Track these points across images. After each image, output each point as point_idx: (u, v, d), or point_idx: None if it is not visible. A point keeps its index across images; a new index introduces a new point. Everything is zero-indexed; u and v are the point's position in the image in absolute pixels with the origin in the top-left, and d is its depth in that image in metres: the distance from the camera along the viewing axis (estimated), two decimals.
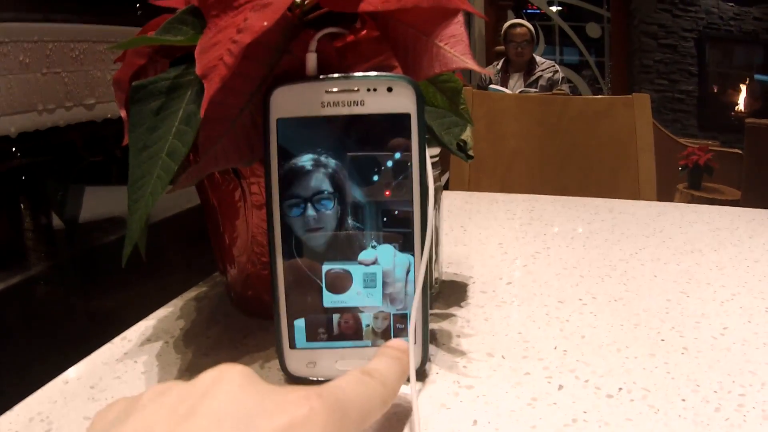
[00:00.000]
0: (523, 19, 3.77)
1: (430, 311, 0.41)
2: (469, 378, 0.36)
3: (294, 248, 0.34)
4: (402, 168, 0.34)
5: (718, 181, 3.07)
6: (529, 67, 3.37)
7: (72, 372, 0.39)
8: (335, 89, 0.33)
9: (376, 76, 0.34)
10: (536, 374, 0.37)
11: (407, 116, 0.33)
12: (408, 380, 0.31)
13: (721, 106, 4.94)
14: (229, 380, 0.24)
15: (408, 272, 0.34)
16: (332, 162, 0.34)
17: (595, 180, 1.22)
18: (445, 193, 0.76)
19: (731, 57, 4.95)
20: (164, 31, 0.36)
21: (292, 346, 0.35)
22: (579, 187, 1.23)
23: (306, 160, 0.34)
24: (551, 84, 3.30)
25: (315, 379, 0.35)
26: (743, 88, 4.92)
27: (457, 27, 0.34)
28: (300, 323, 0.35)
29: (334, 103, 0.33)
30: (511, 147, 1.28)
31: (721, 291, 0.49)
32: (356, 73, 0.34)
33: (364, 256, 0.34)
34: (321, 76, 0.34)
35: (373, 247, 0.34)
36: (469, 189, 1.25)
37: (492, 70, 3.48)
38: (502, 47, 3.54)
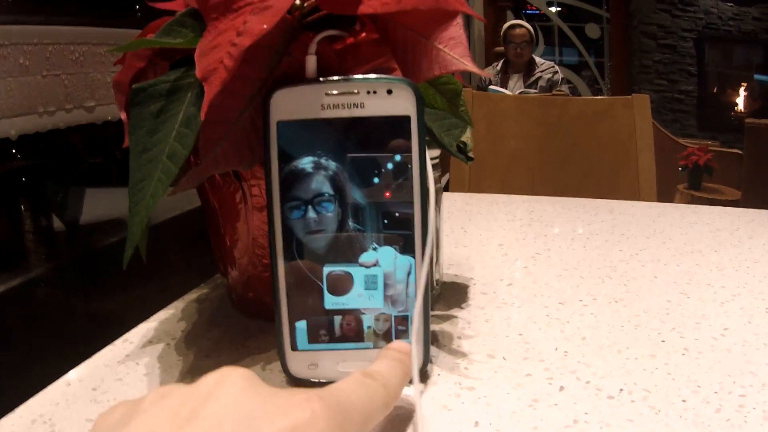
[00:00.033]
0: (522, 19, 3.78)
1: (431, 313, 0.41)
2: (471, 379, 0.37)
3: (295, 250, 0.34)
4: (402, 170, 0.34)
5: (718, 182, 3.07)
6: (529, 68, 3.38)
7: (74, 374, 0.39)
8: (335, 92, 0.34)
9: (376, 78, 0.34)
10: (537, 375, 0.37)
11: (407, 118, 0.33)
12: (410, 382, 0.31)
13: (720, 106, 4.95)
14: (230, 383, 0.24)
15: (409, 274, 0.35)
16: (332, 164, 0.34)
17: (595, 181, 1.22)
18: (446, 195, 0.76)
19: (730, 57, 4.95)
20: (164, 33, 0.36)
21: (294, 347, 0.35)
22: (579, 188, 1.23)
23: (306, 163, 0.34)
24: (551, 85, 3.30)
25: (317, 380, 0.35)
26: (743, 88, 4.92)
27: (456, 29, 0.35)
28: (301, 325, 0.35)
29: (334, 105, 0.34)
30: (510, 148, 1.28)
31: (721, 292, 0.49)
32: (356, 76, 0.34)
33: (365, 258, 0.34)
34: (321, 79, 0.34)
35: (374, 249, 0.34)
36: (469, 190, 1.25)
37: (491, 71, 3.49)
38: (502, 48, 3.54)
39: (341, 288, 0.35)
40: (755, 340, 0.41)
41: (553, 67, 3.39)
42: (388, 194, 0.34)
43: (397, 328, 0.35)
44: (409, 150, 0.34)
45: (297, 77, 0.35)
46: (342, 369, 0.35)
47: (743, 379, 0.36)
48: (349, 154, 0.34)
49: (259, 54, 0.34)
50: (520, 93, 3.19)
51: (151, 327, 0.45)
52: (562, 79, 3.41)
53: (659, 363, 0.38)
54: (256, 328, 0.44)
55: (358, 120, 0.34)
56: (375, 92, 0.33)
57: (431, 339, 0.39)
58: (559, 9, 5.30)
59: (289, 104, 0.34)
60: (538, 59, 3.45)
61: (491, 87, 3.22)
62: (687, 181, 3.11)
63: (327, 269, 0.35)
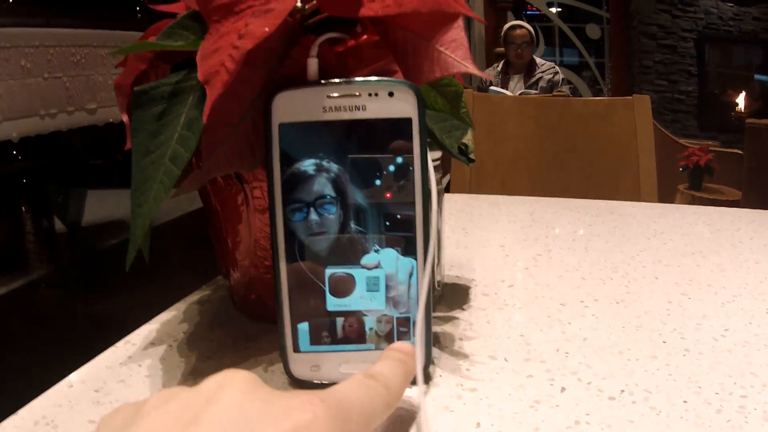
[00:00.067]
0: (522, 20, 3.78)
1: (433, 314, 0.41)
2: (472, 381, 0.37)
3: (297, 252, 0.35)
4: (404, 172, 0.34)
5: (719, 182, 3.07)
6: (529, 69, 3.38)
7: (76, 376, 0.39)
8: (336, 94, 0.34)
9: (377, 80, 0.34)
10: (539, 377, 0.37)
11: (408, 121, 0.34)
12: (412, 383, 0.31)
13: (721, 106, 4.95)
14: (232, 386, 0.24)
15: (411, 276, 0.35)
16: (334, 167, 0.34)
17: (595, 181, 1.23)
18: (447, 196, 0.76)
19: (731, 57, 4.95)
20: (165, 36, 0.36)
21: (296, 349, 0.35)
22: (580, 188, 1.23)
23: (308, 165, 0.34)
24: (551, 85, 3.31)
25: (319, 382, 0.35)
26: (743, 88, 4.92)
27: (457, 31, 0.35)
28: (304, 327, 0.35)
29: (335, 108, 0.34)
30: (511, 149, 1.28)
31: (722, 292, 0.49)
32: (357, 78, 0.34)
33: (367, 260, 0.35)
34: (322, 81, 0.34)
35: (376, 251, 0.34)
36: (469, 191, 1.26)
37: (492, 72, 3.49)
38: (502, 49, 3.54)
39: (343, 290, 0.35)
40: (756, 340, 0.41)
41: (554, 67, 3.40)
42: (389, 196, 0.34)
43: (399, 330, 0.35)
44: (410, 152, 0.34)
45: (298, 80, 0.35)
46: (344, 370, 0.35)
47: (744, 380, 0.36)
48: (350, 157, 0.34)
49: (260, 57, 0.34)
50: (520, 94, 3.19)
51: (153, 329, 0.45)
52: (563, 79, 3.41)
53: (660, 364, 0.38)
54: (258, 329, 0.44)
55: (359, 122, 0.34)
56: (376, 94, 0.33)
57: (433, 340, 0.39)
58: (559, 9, 5.30)
59: (291, 107, 0.34)
60: (538, 60, 3.45)
61: (492, 88, 3.22)
62: (688, 182, 3.11)
63: (329, 271, 0.35)
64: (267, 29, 0.32)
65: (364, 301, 0.35)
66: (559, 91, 3.14)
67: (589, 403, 0.34)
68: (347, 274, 0.35)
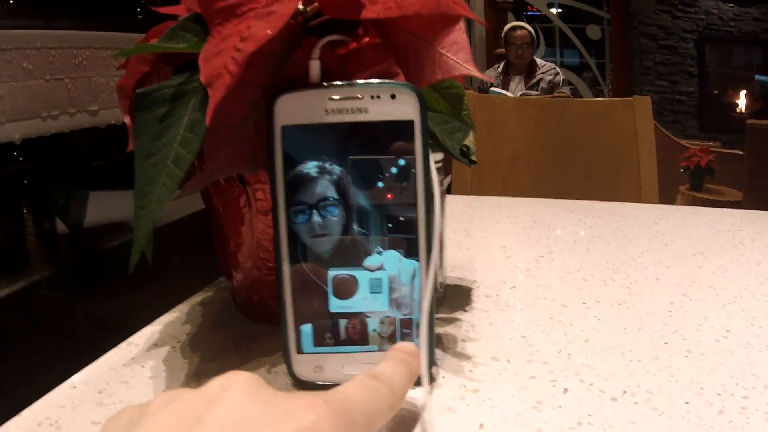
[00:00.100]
0: (523, 21, 3.78)
1: (435, 315, 0.41)
2: (475, 382, 0.37)
3: (300, 254, 0.35)
4: (406, 174, 0.34)
5: (720, 183, 3.07)
6: (530, 70, 3.38)
7: (79, 377, 0.39)
8: (339, 96, 0.34)
9: (379, 83, 0.34)
10: (541, 378, 0.37)
11: (410, 123, 0.34)
12: (416, 385, 0.31)
13: (721, 107, 4.95)
14: (236, 388, 0.24)
15: (413, 277, 0.35)
16: (337, 169, 0.34)
17: (596, 182, 1.23)
18: (448, 197, 0.76)
19: (731, 58, 4.95)
20: (167, 38, 0.36)
21: (300, 350, 0.35)
22: (581, 189, 1.23)
23: (311, 167, 0.34)
24: (552, 86, 3.31)
25: (322, 383, 0.35)
26: (743, 88, 4.92)
27: (458, 34, 0.35)
28: (307, 328, 0.35)
29: (337, 110, 0.34)
30: (512, 150, 1.28)
31: (723, 294, 0.49)
32: (359, 81, 0.34)
33: (370, 261, 0.35)
34: (324, 84, 0.34)
35: (379, 252, 0.35)
36: (470, 192, 1.26)
37: (493, 73, 3.49)
38: (503, 50, 3.54)
39: (346, 291, 0.35)
40: (758, 342, 0.41)
41: (555, 68, 3.40)
42: (391, 198, 0.34)
43: (402, 331, 0.35)
44: (412, 154, 0.34)
45: (301, 82, 0.35)
46: (347, 372, 0.35)
47: (746, 381, 0.36)
48: (353, 159, 0.34)
49: (262, 59, 0.34)
50: (521, 95, 3.19)
51: (156, 330, 0.45)
52: (564, 80, 3.41)
53: (662, 365, 0.38)
54: (261, 331, 0.44)
55: (361, 124, 0.34)
56: (378, 97, 0.34)
57: (435, 341, 0.39)
58: (559, 10, 5.30)
59: (293, 109, 0.34)
60: (539, 61, 3.45)
61: (492, 89, 3.22)
62: (688, 183, 3.11)
63: (332, 273, 0.35)
64: (269, 32, 0.32)
65: (367, 302, 0.35)
66: (559, 91, 3.14)
67: (592, 404, 0.34)
68: (350, 275, 0.35)
